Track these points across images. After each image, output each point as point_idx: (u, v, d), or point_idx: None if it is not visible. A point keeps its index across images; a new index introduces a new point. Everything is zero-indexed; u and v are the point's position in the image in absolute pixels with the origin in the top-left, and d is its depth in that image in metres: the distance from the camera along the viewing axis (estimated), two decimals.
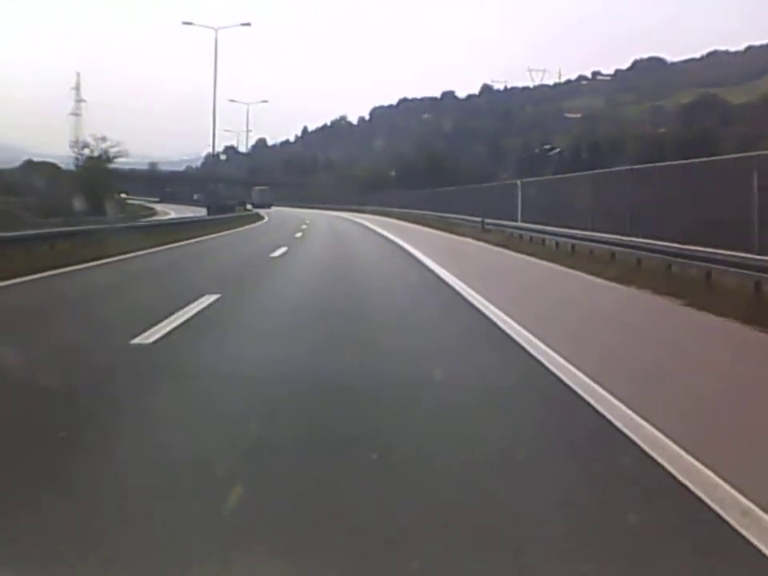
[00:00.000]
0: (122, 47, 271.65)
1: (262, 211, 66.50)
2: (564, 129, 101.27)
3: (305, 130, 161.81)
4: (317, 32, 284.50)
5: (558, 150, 78.95)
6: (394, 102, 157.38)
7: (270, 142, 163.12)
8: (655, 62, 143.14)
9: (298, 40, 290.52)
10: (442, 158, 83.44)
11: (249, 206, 70.10)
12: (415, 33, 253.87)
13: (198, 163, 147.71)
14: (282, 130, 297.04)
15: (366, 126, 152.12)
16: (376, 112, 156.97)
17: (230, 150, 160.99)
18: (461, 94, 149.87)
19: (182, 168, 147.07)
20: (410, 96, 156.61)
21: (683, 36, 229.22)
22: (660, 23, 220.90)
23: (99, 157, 55.78)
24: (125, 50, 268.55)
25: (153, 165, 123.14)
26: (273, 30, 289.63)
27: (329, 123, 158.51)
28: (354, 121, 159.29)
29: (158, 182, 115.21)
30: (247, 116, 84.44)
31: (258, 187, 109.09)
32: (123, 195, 69.70)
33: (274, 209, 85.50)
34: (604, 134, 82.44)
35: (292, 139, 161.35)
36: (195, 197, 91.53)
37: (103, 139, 56.89)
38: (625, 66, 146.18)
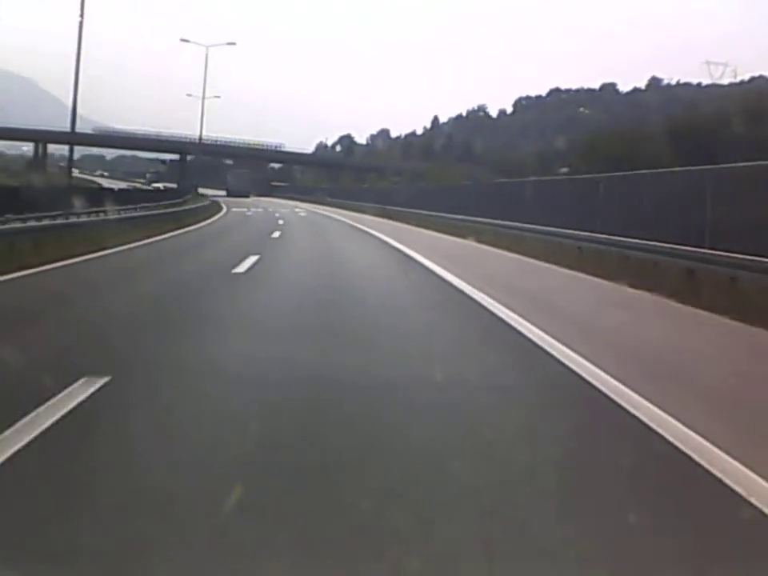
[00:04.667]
0: None
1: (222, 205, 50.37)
2: None
3: (434, 120, 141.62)
4: (457, 20, 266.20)
5: None
6: (543, 92, 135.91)
7: (393, 134, 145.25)
8: None
9: (439, 26, 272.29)
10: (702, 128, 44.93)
11: (202, 193, 56.82)
12: (570, 18, 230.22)
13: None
14: (411, 122, 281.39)
15: (507, 119, 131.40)
16: (521, 103, 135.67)
17: (346, 138, 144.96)
18: (623, 87, 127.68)
19: None
20: (562, 86, 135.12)
21: None
22: None
23: None
24: None
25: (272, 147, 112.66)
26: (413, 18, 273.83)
27: (464, 114, 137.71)
28: (494, 113, 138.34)
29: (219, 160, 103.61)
30: (202, 109, 72.61)
31: (235, 170, 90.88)
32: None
33: (252, 199, 69.85)
34: None
35: (419, 131, 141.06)
36: (147, 175, 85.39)
37: None
38: None
